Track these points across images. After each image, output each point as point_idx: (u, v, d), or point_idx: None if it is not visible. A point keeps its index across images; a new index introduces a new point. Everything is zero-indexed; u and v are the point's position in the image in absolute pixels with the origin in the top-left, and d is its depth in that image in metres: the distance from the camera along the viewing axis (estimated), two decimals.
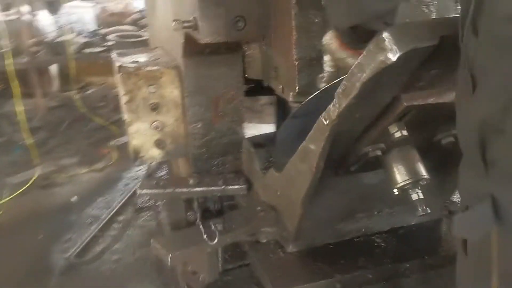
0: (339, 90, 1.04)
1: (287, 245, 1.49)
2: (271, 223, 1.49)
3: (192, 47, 1.59)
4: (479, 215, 0.75)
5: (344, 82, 1.01)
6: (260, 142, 1.66)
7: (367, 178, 1.43)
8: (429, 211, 1.26)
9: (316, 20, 1.32)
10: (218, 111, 1.77)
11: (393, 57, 0.86)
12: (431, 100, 1.05)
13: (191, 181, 1.65)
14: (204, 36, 1.40)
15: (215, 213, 1.64)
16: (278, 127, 1.93)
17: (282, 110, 1.98)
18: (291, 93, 1.42)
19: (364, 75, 0.94)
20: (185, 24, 1.41)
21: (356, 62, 0.96)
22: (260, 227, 1.47)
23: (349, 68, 1.02)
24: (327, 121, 1.11)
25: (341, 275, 1.41)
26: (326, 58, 1.21)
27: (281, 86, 1.49)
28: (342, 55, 1.11)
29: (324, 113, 1.12)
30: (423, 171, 1.27)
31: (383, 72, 0.90)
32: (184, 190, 1.62)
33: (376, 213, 1.56)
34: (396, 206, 1.57)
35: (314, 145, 1.20)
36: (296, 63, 1.34)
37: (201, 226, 1.44)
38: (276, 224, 1.49)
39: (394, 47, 0.86)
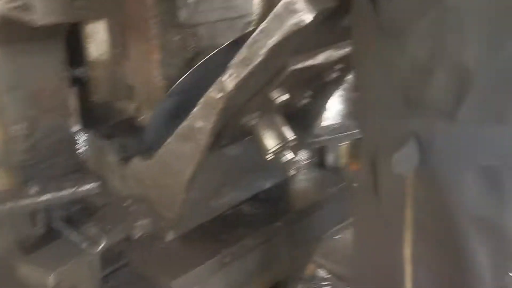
0: (237, 59, 1.02)
1: (166, 234, 1.42)
2: (145, 215, 1.38)
3: (8, 33, 1.32)
4: (410, 151, 0.87)
5: (243, 50, 1.01)
6: (108, 133, 1.50)
7: (231, 150, 1.46)
8: (300, 170, 1.37)
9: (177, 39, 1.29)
10: (42, 107, 1.53)
11: (307, 18, 0.89)
12: (315, 63, 1.13)
13: (32, 191, 1.39)
14: (41, 17, 1.18)
15: (76, 219, 1.43)
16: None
17: None
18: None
19: (271, 40, 0.95)
20: (12, 5, 1.16)
21: (259, 28, 0.97)
22: (135, 221, 1.36)
23: None
24: (220, 94, 1.09)
25: (226, 249, 1.42)
26: None
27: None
28: None
29: (214, 85, 1.09)
30: (291, 133, 1.36)
31: (292, 36, 0.93)
32: (28, 201, 1.36)
33: (238, 183, 1.61)
34: (253, 174, 1.65)
35: (202, 121, 1.15)
36: (164, 83, 1.29)
37: (72, 235, 1.24)
38: (150, 215, 1.40)
39: (308, 7, 0.89)
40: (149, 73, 1.32)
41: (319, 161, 1.91)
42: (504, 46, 0.79)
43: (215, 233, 1.47)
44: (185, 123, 1.19)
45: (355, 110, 1.07)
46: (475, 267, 0.93)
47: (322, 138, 1.80)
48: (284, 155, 1.35)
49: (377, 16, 0.88)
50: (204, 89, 1.14)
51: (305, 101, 1.42)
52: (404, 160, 0.87)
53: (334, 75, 1.38)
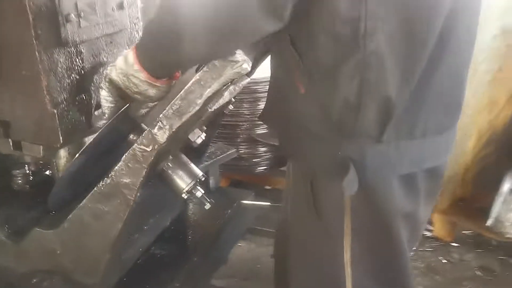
0: (169, 111, 1.02)
1: None
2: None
3: None
4: (352, 176, 1.00)
5: (176, 102, 1.01)
6: None
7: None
8: (213, 201, 1.41)
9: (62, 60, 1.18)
10: None
11: (248, 66, 0.95)
12: (225, 100, 1.16)
13: None
14: None
15: None
16: None
17: None
18: (42, 148, 1.22)
19: (208, 90, 0.99)
20: None
21: (193, 79, 0.99)
22: None
23: (147, 97, 1.06)
24: (151, 147, 1.07)
25: None
26: (105, 93, 1.12)
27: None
28: (145, 87, 1.07)
29: (141, 139, 1.07)
30: (198, 170, 1.39)
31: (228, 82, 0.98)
32: None
33: (144, 227, 1.56)
34: (153, 214, 1.62)
35: (129, 177, 1.12)
36: (54, 110, 1.16)
37: None
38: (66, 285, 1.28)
39: (246, 58, 0.95)
40: (36, 102, 1.18)
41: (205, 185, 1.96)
42: (414, 76, 0.97)
43: (139, 285, 1.41)
44: (107, 181, 1.13)
45: (288, 142, 1.17)
46: (404, 250, 1.13)
47: (207, 163, 1.86)
48: (197, 191, 1.38)
49: (303, 63, 0.99)
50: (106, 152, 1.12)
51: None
52: (350, 184, 1.00)
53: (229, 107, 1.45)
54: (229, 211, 1.83)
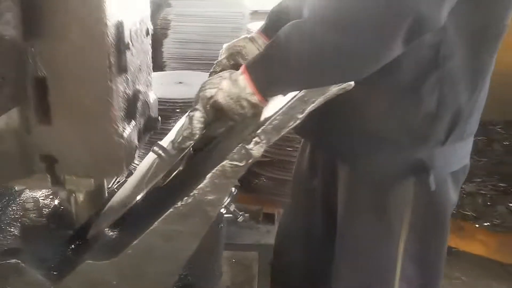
0: (268, 126, 1.06)
1: None
2: None
3: None
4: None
5: (278, 117, 1.05)
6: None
7: None
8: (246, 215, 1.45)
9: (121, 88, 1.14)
10: None
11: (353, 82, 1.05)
12: None
13: None
14: None
15: None
16: None
17: None
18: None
19: (310, 106, 1.05)
20: None
21: (298, 96, 1.04)
22: None
23: (245, 117, 1.09)
24: (244, 162, 1.09)
25: None
26: (199, 114, 1.11)
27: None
28: (251, 109, 1.08)
29: (231, 156, 1.08)
30: None
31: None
32: None
33: None
34: None
35: (214, 194, 1.11)
36: (121, 139, 1.11)
37: None
38: None
39: None
40: (94, 134, 1.12)
41: None
42: (478, 86, 1.19)
43: None
44: (188, 200, 1.11)
45: (349, 152, 1.28)
46: (447, 238, 1.33)
47: None
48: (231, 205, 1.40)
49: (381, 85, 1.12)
50: None
51: None
52: (431, 181, 1.17)
53: None
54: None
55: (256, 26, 2.24)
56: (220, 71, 1.27)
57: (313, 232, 1.54)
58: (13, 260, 1.13)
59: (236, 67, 1.23)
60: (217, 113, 1.09)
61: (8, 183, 1.16)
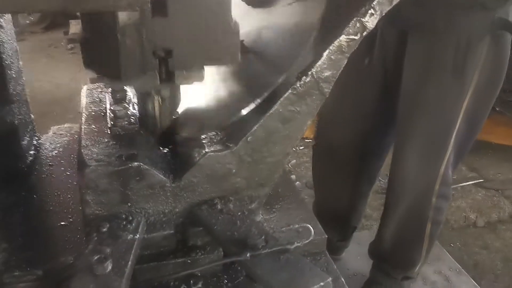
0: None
1: None
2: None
3: None
4: None
5: None
6: None
7: None
8: None
9: None
10: None
11: None
12: None
13: None
14: None
15: None
16: None
17: None
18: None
19: None
20: None
21: None
22: None
23: None
24: (358, 35, 1.12)
25: None
26: None
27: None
28: None
29: (347, 30, 1.10)
30: None
31: None
32: None
33: None
34: None
35: (330, 70, 1.14)
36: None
37: None
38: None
39: None
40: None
41: None
42: None
43: None
44: (306, 79, 1.13)
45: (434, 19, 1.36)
46: None
47: None
48: None
49: None
50: None
51: None
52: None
53: None
54: None
55: None
56: None
57: (361, 110, 1.65)
58: (135, 163, 1.10)
59: None
60: None
61: (130, 82, 1.07)
